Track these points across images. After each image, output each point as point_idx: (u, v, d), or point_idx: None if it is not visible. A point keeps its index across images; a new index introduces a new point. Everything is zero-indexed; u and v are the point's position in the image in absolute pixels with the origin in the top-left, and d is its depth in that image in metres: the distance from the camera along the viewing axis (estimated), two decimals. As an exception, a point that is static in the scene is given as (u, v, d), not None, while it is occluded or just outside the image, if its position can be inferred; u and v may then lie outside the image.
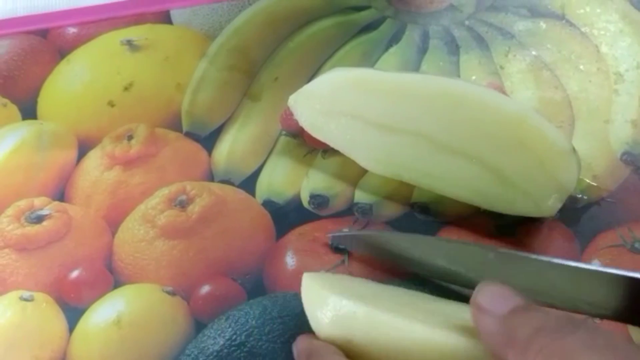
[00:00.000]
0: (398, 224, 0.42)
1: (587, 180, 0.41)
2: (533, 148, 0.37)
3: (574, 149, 0.38)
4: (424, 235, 0.40)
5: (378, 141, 0.40)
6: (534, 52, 0.46)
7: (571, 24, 0.47)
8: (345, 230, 0.41)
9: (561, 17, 0.47)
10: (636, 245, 0.39)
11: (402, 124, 0.39)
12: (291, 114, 0.44)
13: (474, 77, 0.45)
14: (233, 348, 0.39)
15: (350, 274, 0.40)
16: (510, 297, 0.29)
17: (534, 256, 0.34)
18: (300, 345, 0.36)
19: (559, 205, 0.38)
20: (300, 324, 0.39)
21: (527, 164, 0.37)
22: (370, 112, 0.40)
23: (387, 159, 0.40)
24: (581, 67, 0.45)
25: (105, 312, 0.41)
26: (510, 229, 0.40)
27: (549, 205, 0.38)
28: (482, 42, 0.47)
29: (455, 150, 0.39)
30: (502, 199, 0.39)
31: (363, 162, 0.41)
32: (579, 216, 0.41)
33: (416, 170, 0.40)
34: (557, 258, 0.33)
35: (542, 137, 0.37)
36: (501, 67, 0.46)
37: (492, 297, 0.30)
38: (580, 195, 0.41)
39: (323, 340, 0.35)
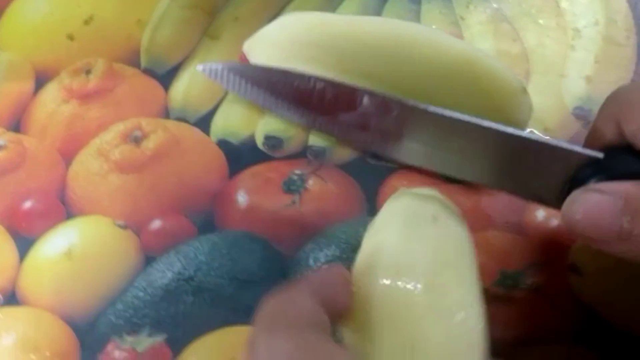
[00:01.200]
0: (350, 168, 0.42)
1: (538, 133, 0.42)
2: (484, 88, 0.38)
3: (525, 89, 0.38)
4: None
5: None
6: (495, 5, 0.46)
7: (534, -22, 0.47)
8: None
9: (525, -29, 0.48)
10: (579, 196, 0.40)
11: (356, 67, 0.40)
12: (250, 55, 0.45)
13: (434, 27, 0.45)
14: (181, 282, 0.40)
15: (301, 214, 0.41)
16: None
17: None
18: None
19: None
20: (249, 261, 0.40)
21: (478, 104, 0.38)
22: (324, 56, 0.40)
23: None
24: (540, 21, 0.45)
25: (57, 243, 0.41)
26: (459, 177, 0.41)
27: None
28: (444, -8, 0.47)
29: (409, 93, 0.39)
30: None
31: None
32: (527, 166, 0.42)
33: None
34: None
35: (493, 76, 0.38)
36: (462, 18, 0.46)
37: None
38: (529, 147, 0.42)
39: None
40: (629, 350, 0.37)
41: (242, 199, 0.42)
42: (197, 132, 0.44)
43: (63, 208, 0.42)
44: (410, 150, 0.38)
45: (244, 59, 0.45)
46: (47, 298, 0.40)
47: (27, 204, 0.42)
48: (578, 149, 0.32)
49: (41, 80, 0.46)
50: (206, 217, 0.42)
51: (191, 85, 0.45)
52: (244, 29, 0.45)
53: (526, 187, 0.35)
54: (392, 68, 0.39)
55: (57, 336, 0.39)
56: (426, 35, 0.39)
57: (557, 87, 0.43)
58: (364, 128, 0.33)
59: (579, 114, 0.42)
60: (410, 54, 0.38)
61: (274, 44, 0.41)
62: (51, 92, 0.45)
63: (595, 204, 0.29)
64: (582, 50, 0.44)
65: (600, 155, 0.32)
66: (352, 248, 0.39)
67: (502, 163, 0.35)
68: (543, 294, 0.38)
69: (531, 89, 0.43)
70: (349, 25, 0.39)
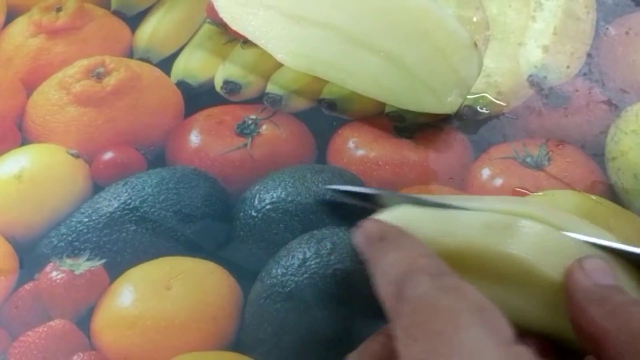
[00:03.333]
0: (303, 117, 0.43)
1: (491, 97, 0.43)
2: (435, 40, 0.39)
3: (475, 44, 0.39)
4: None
5: (293, 33, 0.41)
6: (461, -26, 0.47)
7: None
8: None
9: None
10: (527, 159, 0.41)
11: (315, 16, 0.40)
12: (218, 4, 0.46)
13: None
14: (126, 211, 0.40)
15: (251, 156, 0.41)
16: (612, 276, 0.30)
17: None
18: (369, 227, 0.32)
19: (460, 101, 0.40)
20: (194, 197, 0.40)
21: (429, 56, 0.39)
22: (286, 3, 0.41)
23: (301, 52, 0.41)
24: (504, -8, 0.46)
25: (8, 166, 0.42)
26: (409, 132, 0.42)
27: (449, 100, 0.39)
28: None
29: (364, 43, 0.40)
30: (406, 94, 0.40)
31: (278, 55, 0.42)
32: (478, 127, 0.42)
33: (327, 63, 0.41)
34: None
35: (444, 29, 0.39)
36: (428, -16, 0.47)
37: (596, 266, 0.30)
38: (482, 109, 0.42)
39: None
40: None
41: (194, 138, 0.42)
42: (157, 71, 0.45)
43: (19, 134, 0.43)
44: None
45: (211, 7, 0.45)
46: (-8, 215, 0.40)
47: (-16, 127, 0.43)
48: None
49: (12, 14, 0.47)
50: (158, 152, 0.42)
51: (157, 28, 0.46)
52: (214, -22, 0.46)
53: None
54: (351, 17, 0.40)
55: (-4, 252, 0.39)
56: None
57: (515, 54, 0.44)
58: None
59: (533, 80, 0.43)
60: (366, 4, 0.39)
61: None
62: (21, 26, 0.46)
63: None
64: (542, 22, 0.44)
65: None
66: (297, 192, 0.40)
67: None
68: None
69: (489, 55, 0.44)
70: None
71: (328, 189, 0.39)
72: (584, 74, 0.43)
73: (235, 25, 0.43)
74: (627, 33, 0.44)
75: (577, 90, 0.43)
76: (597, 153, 0.41)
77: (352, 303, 0.36)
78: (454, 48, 0.39)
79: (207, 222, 0.40)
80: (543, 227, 0.31)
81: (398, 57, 0.39)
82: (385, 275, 0.28)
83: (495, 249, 0.30)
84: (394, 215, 0.33)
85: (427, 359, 0.23)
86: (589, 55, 0.44)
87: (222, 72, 0.44)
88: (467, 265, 0.31)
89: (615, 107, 0.42)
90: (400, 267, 0.28)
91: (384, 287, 0.28)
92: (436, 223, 0.32)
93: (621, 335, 0.26)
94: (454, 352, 0.23)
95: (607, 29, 0.45)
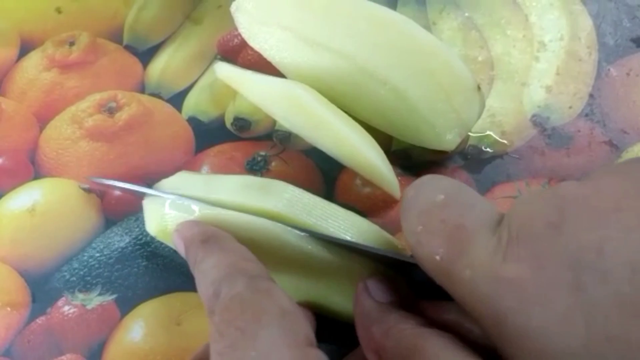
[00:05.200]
0: (312, 154, 0.44)
1: (495, 136, 0.43)
2: (440, 80, 0.39)
3: (478, 87, 0.40)
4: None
5: (305, 56, 0.42)
6: (466, 14, 0.48)
7: (507, -8, 0.49)
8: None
9: (499, -15, 0.50)
10: (530, 199, 0.42)
11: (329, 43, 0.41)
12: (229, 40, 0.47)
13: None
14: (137, 246, 0.41)
15: (260, 193, 0.42)
16: (390, 293, 0.32)
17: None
18: (190, 229, 0.34)
19: (458, 140, 0.41)
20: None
21: (433, 95, 0.39)
22: (303, 27, 0.42)
23: (311, 74, 0.42)
24: (508, 32, 0.47)
25: (21, 200, 0.43)
26: (414, 170, 0.43)
27: (448, 138, 0.40)
28: (420, -2, 0.49)
29: (373, 75, 0.40)
30: (408, 128, 0.41)
31: (289, 76, 0.43)
32: (482, 167, 0.43)
33: (336, 89, 0.41)
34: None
35: (449, 70, 0.39)
36: (434, 23, 0.48)
37: (377, 285, 0.33)
38: (486, 148, 0.43)
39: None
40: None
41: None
42: (169, 107, 0.45)
43: (32, 168, 0.44)
44: None
45: (222, 43, 0.46)
46: (5, 250, 0.41)
47: (-2, 161, 0.44)
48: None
49: (26, 49, 0.48)
50: (169, 188, 0.43)
51: (169, 64, 0.47)
52: (225, 16, 0.47)
53: None
54: (363, 49, 0.40)
55: (9, 287, 0.40)
56: (395, 21, 0.40)
57: (519, 94, 0.45)
58: None
59: (537, 120, 0.44)
60: (379, 37, 0.40)
61: (259, 6, 0.43)
62: (34, 60, 0.47)
63: None
64: (545, 62, 0.45)
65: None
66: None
67: None
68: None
69: (493, 95, 0.45)
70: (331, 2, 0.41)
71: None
72: (586, 115, 0.44)
73: (252, 42, 0.43)
74: (628, 74, 0.45)
75: (579, 131, 0.44)
76: (598, 193, 0.42)
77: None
78: (458, 89, 0.39)
79: (216, 257, 0.41)
80: (293, 188, 0.36)
81: (403, 92, 0.39)
82: (207, 277, 0.30)
83: (253, 204, 0.35)
84: (172, 181, 0.39)
85: (228, 353, 0.26)
86: (590, 95, 0.45)
87: (232, 109, 0.45)
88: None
89: (616, 148, 0.43)
90: (222, 269, 0.30)
91: (205, 287, 0.30)
92: (205, 185, 0.37)
93: (395, 351, 0.28)
94: (250, 347, 0.26)
95: (609, 69, 0.46)
